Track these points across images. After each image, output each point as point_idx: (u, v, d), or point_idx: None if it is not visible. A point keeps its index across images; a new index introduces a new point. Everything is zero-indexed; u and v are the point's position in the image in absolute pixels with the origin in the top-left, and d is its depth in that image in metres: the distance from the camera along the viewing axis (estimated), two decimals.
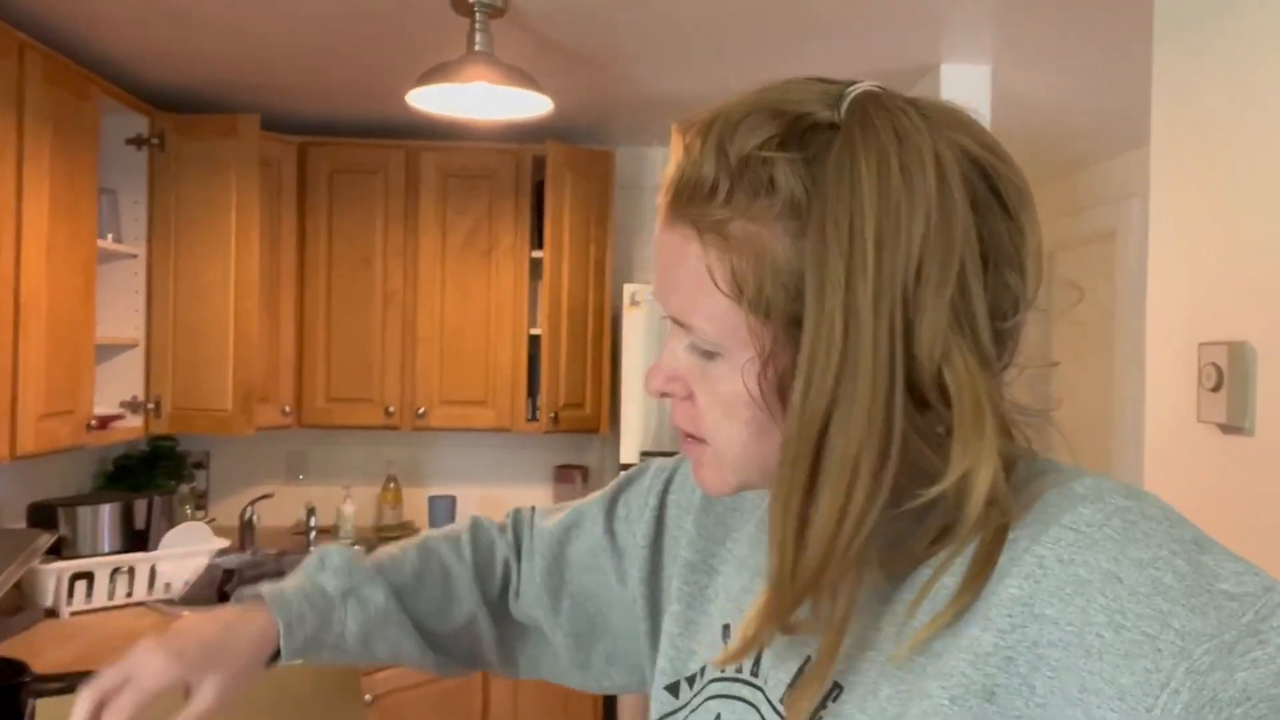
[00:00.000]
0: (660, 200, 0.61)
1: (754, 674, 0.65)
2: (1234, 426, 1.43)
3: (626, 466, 3.15)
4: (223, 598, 2.86)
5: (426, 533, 0.93)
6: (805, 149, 0.55)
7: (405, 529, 3.50)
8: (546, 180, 3.25)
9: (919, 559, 0.57)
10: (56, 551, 2.51)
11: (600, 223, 3.38)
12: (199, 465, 3.46)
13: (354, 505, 3.41)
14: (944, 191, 0.53)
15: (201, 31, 2.48)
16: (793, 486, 0.55)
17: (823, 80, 0.58)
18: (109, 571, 2.57)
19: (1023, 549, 0.53)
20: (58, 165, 2.37)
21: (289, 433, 3.40)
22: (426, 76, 2.20)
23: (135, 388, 2.93)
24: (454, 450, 3.63)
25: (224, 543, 2.83)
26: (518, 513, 0.95)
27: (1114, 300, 3.41)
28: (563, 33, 2.43)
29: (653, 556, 0.81)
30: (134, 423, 2.90)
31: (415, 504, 3.54)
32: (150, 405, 2.93)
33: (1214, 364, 1.45)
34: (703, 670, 0.70)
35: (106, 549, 2.61)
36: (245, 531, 3.15)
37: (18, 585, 2.40)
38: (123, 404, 2.90)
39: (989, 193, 0.56)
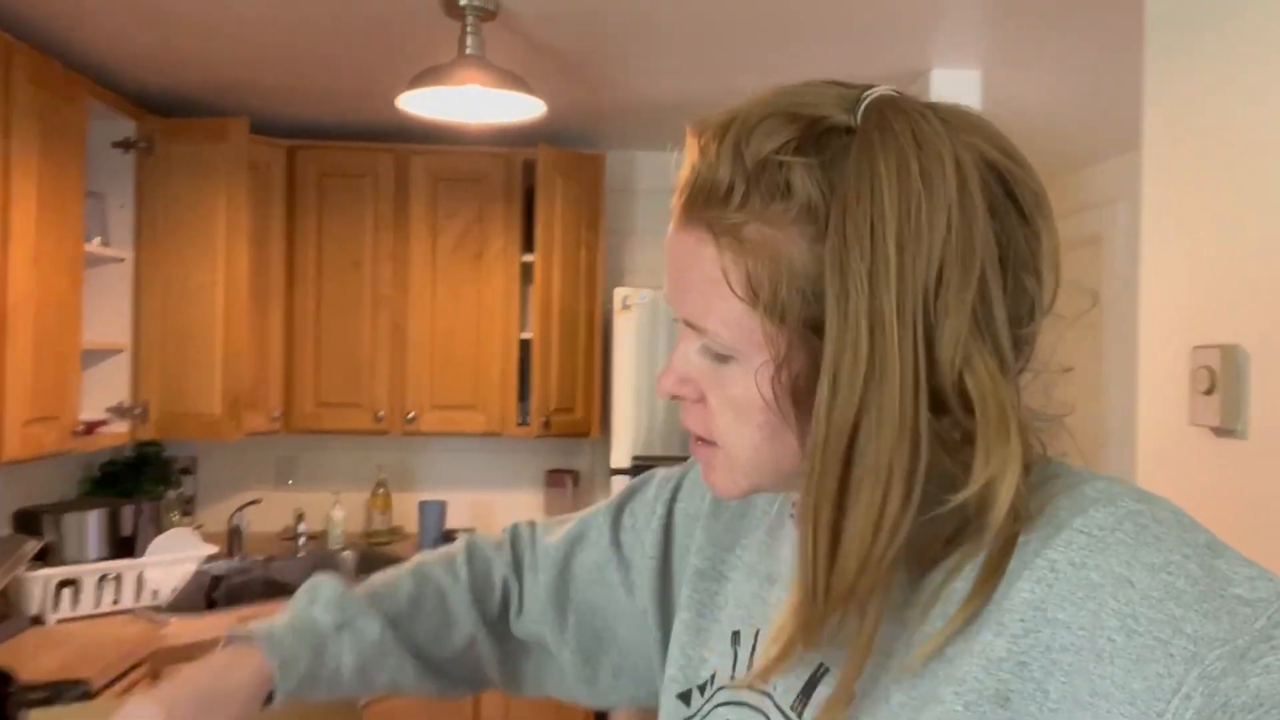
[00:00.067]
0: (674, 202, 0.60)
1: (762, 680, 0.64)
2: (1227, 430, 1.44)
3: (618, 471, 3.19)
4: (210, 604, 2.85)
5: (420, 556, 0.90)
6: (822, 153, 0.55)
7: (395, 534, 3.48)
8: (537, 184, 3.24)
9: (931, 564, 0.56)
10: (42, 558, 2.48)
11: (591, 226, 3.38)
12: (186, 471, 3.43)
13: (343, 511, 3.39)
14: (964, 196, 0.53)
15: (190, 34, 2.46)
16: (822, 497, 0.54)
17: (839, 83, 0.58)
18: (96, 578, 2.54)
19: (1033, 552, 0.53)
20: (44, 168, 2.35)
21: (278, 438, 3.37)
22: (418, 79, 2.20)
23: (122, 393, 2.90)
24: (444, 455, 3.61)
25: (212, 549, 2.81)
26: (515, 529, 0.93)
27: (1102, 304, 3.43)
28: (554, 36, 2.43)
29: (662, 566, 0.80)
30: (121, 428, 2.87)
31: (405, 509, 3.52)
32: (137, 410, 2.91)
33: (1207, 367, 1.46)
34: (713, 678, 0.70)
35: (93, 556, 2.58)
36: (233, 537, 3.12)
37: (3, 593, 2.37)
38: (109, 409, 2.87)
39: (1006, 197, 0.55)
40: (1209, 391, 1.45)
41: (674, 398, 0.63)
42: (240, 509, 3.16)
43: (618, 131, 3.38)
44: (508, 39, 2.38)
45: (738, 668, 0.68)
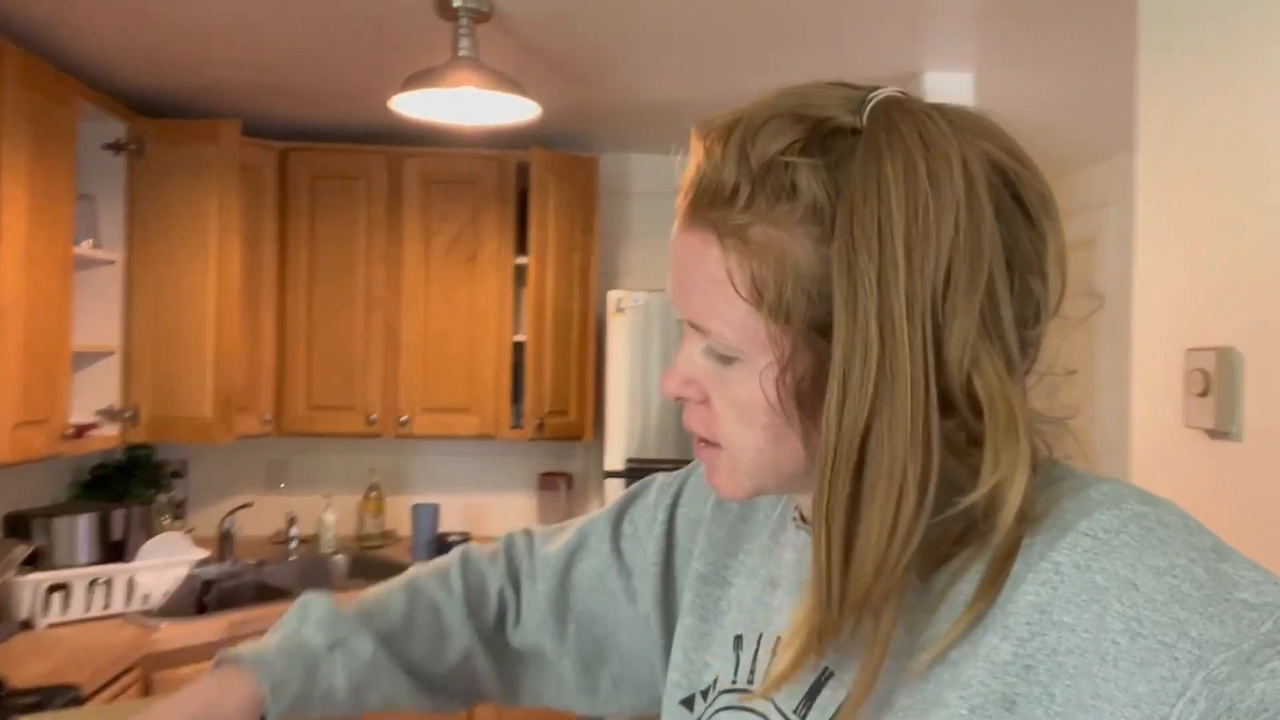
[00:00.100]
0: (678, 203, 0.60)
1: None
2: (1221, 432, 1.44)
3: (612, 474, 3.18)
4: (202, 609, 2.83)
5: (413, 570, 0.89)
6: (828, 154, 0.54)
7: (388, 538, 3.47)
8: (531, 186, 3.24)
9: (935, 567, 0.56)
10: (32, 562, 2.47)
11: (585, 229, 3.38)
12: (177, 474, 3.41)
13: (335, 514, 3.37)
14: (972, 197, 0.53)
15: (181, 35, 2.45)
16: (835, 501, 0.54)
17: (845, 85, 0.58)
18: (86, 583, 2.52)
19: (1038, 555, 0.53)
20: (35, 170, 2.34)
21: (269, 441, 3.36)
22: (411, 81, 2.19)
23: (112, 396, 2.89)
24: (437, 458, 3.60)
25: (203, 553, 2.80)
26: (510, 538, 0.92)
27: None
28: (547, 38, 2.42)
29: (664, 572, 0.80)
30: (111, 431, 2.86)
31: (398, 512, 3.51)
32: (128, 413, 2.89)
33: (1201, 370, 1.46)
34: (715, 682, 0.69)
35: (83, 560, 2.57)
36: (224, 541, 3.11)
37: None
38: (99, 412, 2.85)
39: (1011, 199, 0.55)
40: (1203, 394, 1.45)
41: (677, 399, 0.63)
42: (231, 513, 3.15)
43: (611, 134, 3.38)
44: (501, 41, 2.37)
45: (739, 671, 0.68)
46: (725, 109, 0.58)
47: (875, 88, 0.57)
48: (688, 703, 0.71)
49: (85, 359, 2.81)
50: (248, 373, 3.13)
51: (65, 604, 2.48)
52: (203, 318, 2.95)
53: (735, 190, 0.56)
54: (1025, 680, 0.51)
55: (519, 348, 3.29)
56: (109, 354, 2.88)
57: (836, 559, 0.54)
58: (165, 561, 2.67)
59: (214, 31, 2.42)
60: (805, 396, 0.56)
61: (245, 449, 3.42)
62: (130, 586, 2.60)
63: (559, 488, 3.54)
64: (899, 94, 0.56)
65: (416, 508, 3.35)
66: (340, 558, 3.30)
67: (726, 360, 0.59)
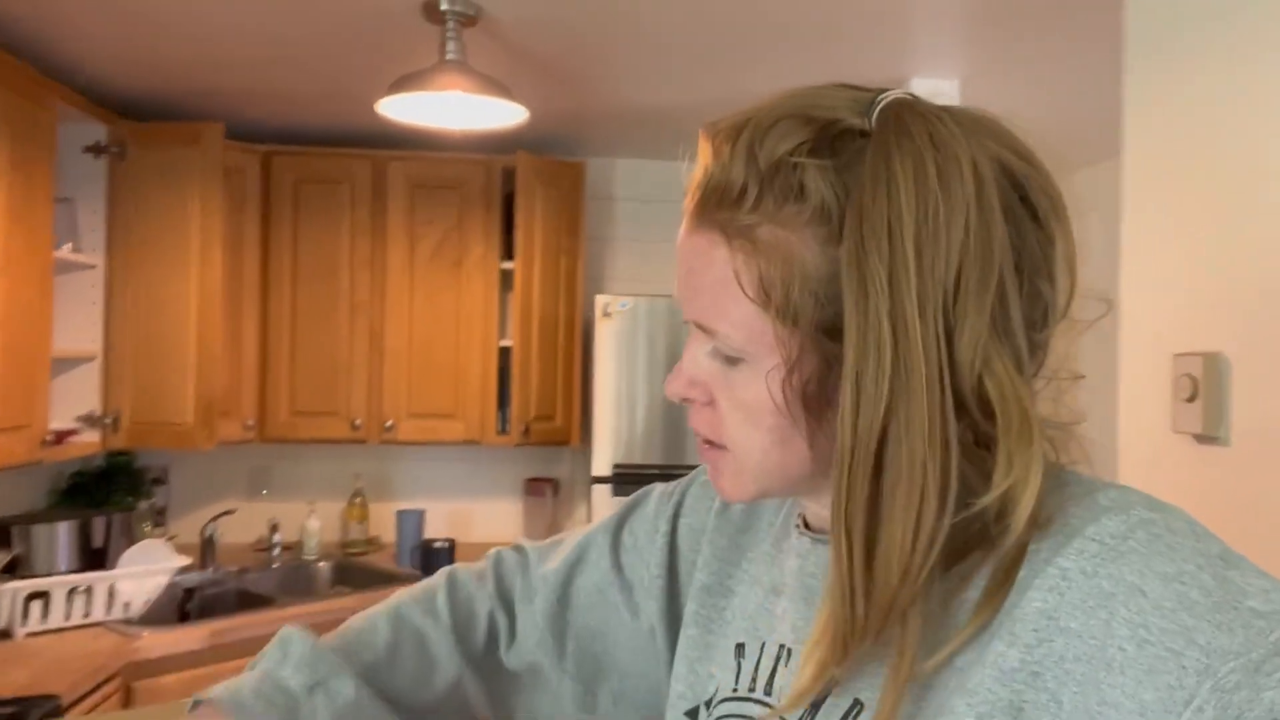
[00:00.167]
0: (686, 204, 0.60)
1: (767, 692, 0.63)
2: (1209, 437, 1.45)
3: (599, 479, 3.17)
4: (184, 617, 2.80)
5: (398, 596, 0.86)
6: (836, 156, 0.54)
7: (372, 544, 3.45)
8: (517, 191, 3.23)
9: (942, 572, 0.56)
10: (11, 570, 2.43)
11: (571, 234, 3.37)
12: (158, 481, 3.37)
13: (319, 521, 3.34)
14: (982, 198, 0.53)
15: (164, 38, 2.43)
16: (854, 505, 0.53)
17: (852, 87, 0.58)
18: (66, 591, 2.49)
19: (1045, 561, 0.52)
20: (14, 173, 2.31)
21: (252, 447, 3.33)
22: (398, 85, 2.18)
23: (92, 401, 2.85)
24: (422, 464, 3.58)
25: (185, 560, 2.76)
26: (499, 556, 0.90)
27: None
28: (534, 42, 2.42)
29: (668, 583, 0.79)
30: (91, 437, 2.82)
31: (383, 519, 3.48)
32: (108, 419, 2.86)
33: (1189, 375, 1.46)
34: (716, 692, 0.68)
35: (63, 568, 2.54)
36: (206, 549, 3.07)
37: None
38: (79, 418, 2.82)
39: (1020, 201, 0.55)
40: (1191, 399, 1.46)
41: (683, 400, 0.63)
42: (214, 519, 3.11)
43: (598, 139, 3.38)
44: (488, 45, 2.36)
45: (740, 679, 0.67)
46: (726, 111, 0.58)
47: (883, 90, 0.57)
48: (692, 714, 0.70)
49: (65, 364, 2.78)
50: (230, 378, 3.10)
51: (45, 612, 2.45)
52: (184, 323, 2.92)
53: (743, 191, 0.55)
54: (1032, 687, 0.51)
55: (505, 353, 3.28)
56: (89, 359, 2.85)
57: (859, 564, 0.53)
58: (146, 569, 2.64)
59: (198, 34, 2.40)
60: (812, 398, 0.56)
61: (227, 455, 3.39)
62: (111, 594, 2.57)
63: (545, 493, 3.52)
64: (908, 96, 0.56)
65: (401, 514, 3.32)
66: (324, 565, 3.27)
67: (733, 362, 0.59)
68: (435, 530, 3.43)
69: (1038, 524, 0.53)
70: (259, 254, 3.20)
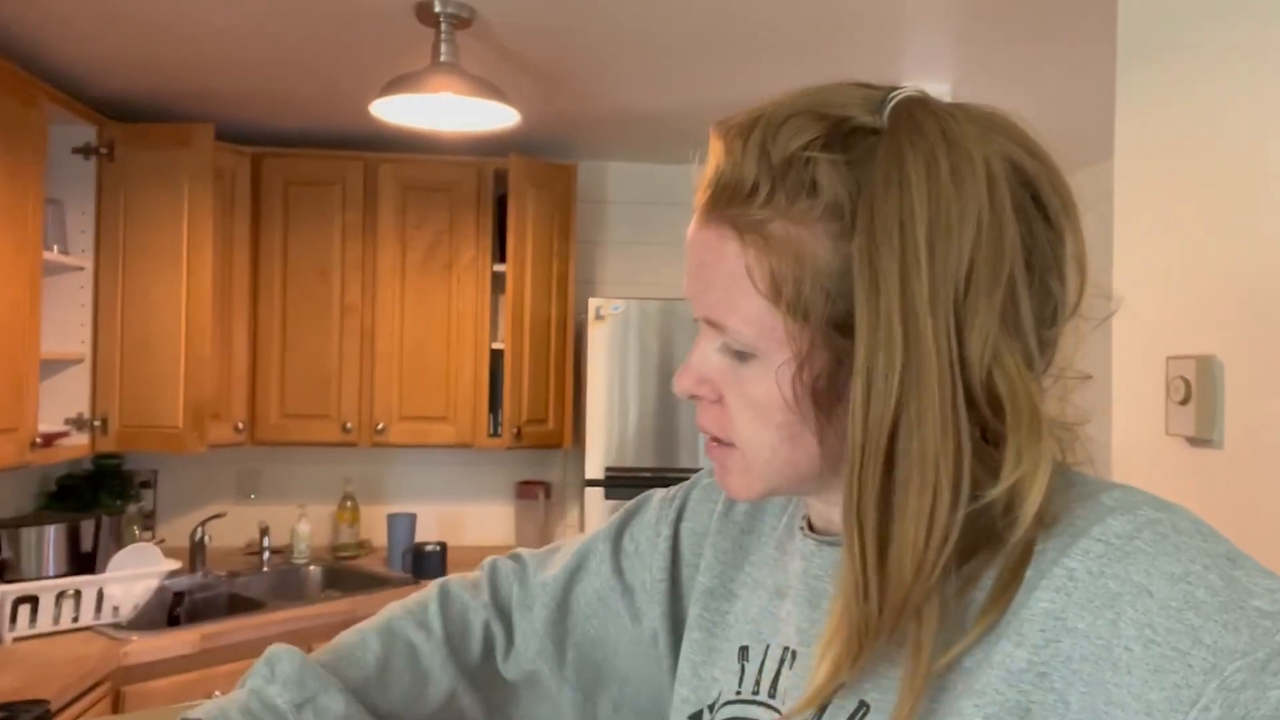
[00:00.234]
0: (697, 200, 0.60)
1: (771, 695, 0.63)
2: (1202, 439, 1.45)
3: (591, 482, 3.16)
4: (173, 621, 2.78)
5: (389, 609, 0.84)
6: (848, 152, 0.55)
7: (363, 548, 3.43)
8: (509, 194, 3.22)
9: (956, 565, 0.55)
10: None
11: (563, 236, 3.37)
12: (146, 484, 3.35)
13: (309, 524, 3.33)
14: (994, 195, 0.53)
15: (153, 39, 2.41)
16: (866, 500, 0.53)
17: (864, 85, 0.58)
18: (54, 595, 2.47)
19: (1051, 561, 0.52)
20: (2, 174, 2.29)
21: (241, 450, 3.31)
22: (391, 86, 2.17)
23: (81, 404, 2.83)
24: (414, 467, 3.57)
25: (174, 564, 2.74)
26: (494, 565, 0.88)
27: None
28: (527, 46, 2.41)
29: (671, 588, 0.78)
30: (80, 440, 2.80)
31: (374, 522, 3.47)
32: (97, 422, 2.84)
33: (1182, 377, 1.47)
34: (720, 695, 0.68)
35: (52, 572, 2.51)
36: (196, 552, 3.05)
37: None
38: (68, 421, 2.80)
39: (1031, 199, 0.56)
40: (1184, 402, 1.47)
41: (691, 397, 0.62)
42: (203, 523, 3.09)
43: (590, 142, 3.38)
44: (481, 47, 2.36)
45: (744, 682, 0.67)
46: (719, 115, 0.58)
47: (895, 87, 0.57)
48: (695, 717, 0.70)
49: (53, 366, 2.76)
50: (220, 381, 3.08)
51: (33, 616, 2.43)
52: (174, 325, 2.90)
53: (755, 186, 0.56)
54: (1040, 688, 0.51)
55: (497, 355, 3.27)
56: (78, 361, 2.83)
57: (872, 560, 0.53)
58: (136, 573, 2.62)
59: (189, 35, 2.38)
60: (821, 394, 0.56)
61: (216, 458, 3.37)
62: (100, 598, 2.55)
63: (537, 496, 3.51)
64: (919, 93, 0.56)
65: (392, 517, 3.31)
66: (315, 568, 3.26)
67: (742, 358, 0.59)
68: (426, 534, 3.42)
69: (1044, 523, 0.53)
70: (249, 256, 3.18)
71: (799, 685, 0.61)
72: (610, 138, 3.31)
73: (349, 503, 3.42)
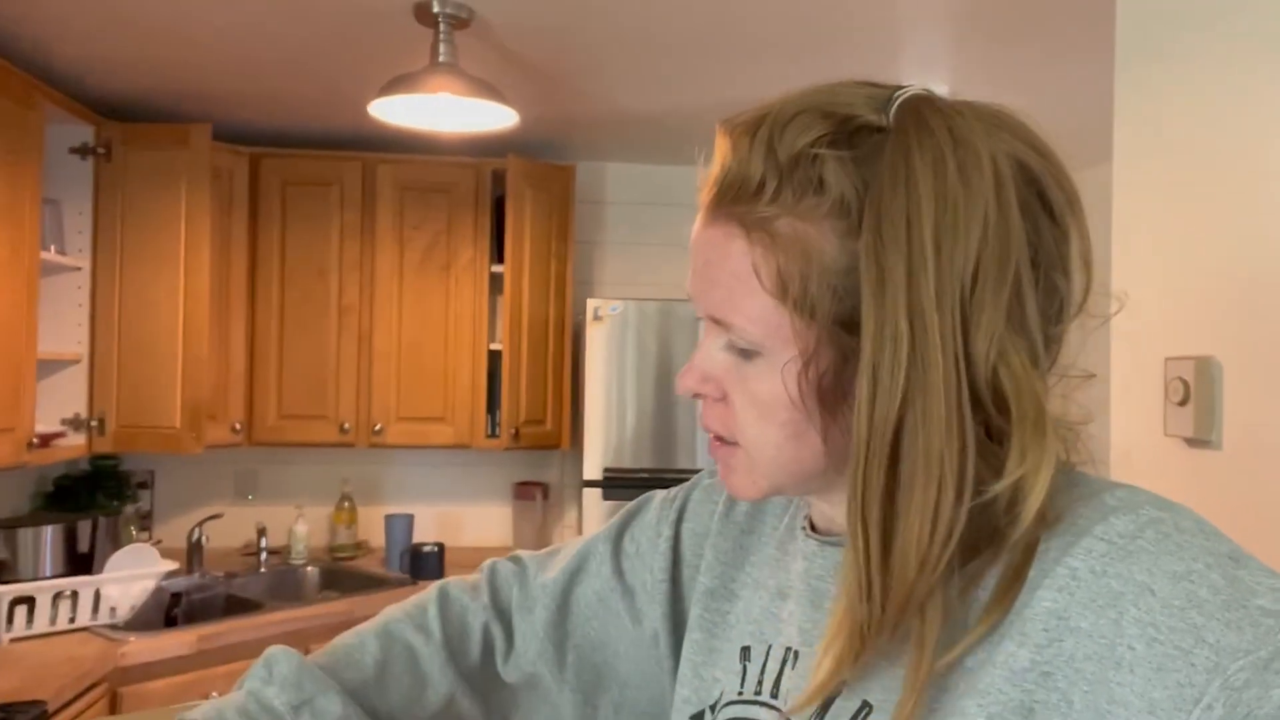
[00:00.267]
0: (702, 198, 0.60)
1: (773, 695, 0.63)
2: (1201, 440, 1.46)
3: (589, 483, 3.16)
4: (170, 622, 2.78)
5: (388, 612, 0.84)
6: (855, 149, 0.55)
7: (360, 549, 3.43)
8: (507, 194, 3.22)
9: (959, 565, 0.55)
10: None
11: (561, 237, 3.37)
12: (143, 485, 3.34)
13: (307, 525, 3.32)
14: (1001, 193, 0.53)
15: (151, 39, 2.41)
16: (870, 496, 0.53)
17: (870, 84, 0.58)
18: (51, 596, 2.46)
19: (1054, 560, 0.52)
20: (0, 174, 2.29)
21: (239, 451, 3.31)
22: (389, 87, 2.17)
23: (78, 404, 2.83)
24: (411, 468, 3.56)
25: (171, 565, 2.74)
26: (494, 567, 0.87)
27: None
28: (526, 46, 2.41)
29: (672, 589, 0.78)
30: (77, 441, 2.80)
31: (371, 523, 3.46)
32: (94, 422, 2.83)
33: (1180, 379, 1.47)
34: (721, 696, 0.68)
35: (48, 572, 2.51)
36: (193, 553, 3.05)
37: None
38: (64, 421, 2.79)
39: (1037, 196, 0.56)
40: (1183, 403, 1.47)
41: (695, 396, 0.62)
42: (200, 524, 3.09)
43: (588, 143, 3.38)
44: (479, 48, 2.36)
45: (746, 682, 0.67)
46: (717, 116, 0.58)
47: (900, 86, 0.57)
48: (697, 718, 0.70)
49: (51, 367, 2.75)
50: (217, 381, 3.08)
51: (30, 617, 2.42)
52: (171, 325, 2.90)
53: (762, 183, 0.56)
54: (1044, 687, 0.51)
55: (495, 356, 3.27)
56: (75, 362, 2.82)
57: (875, 557, 0.53)
58: (133, 574, 2.62)
59: (187, 35, 2.38)
60: (827, 392, 0.56)
61: (213, 459, 3.36)
62: (97, 599, 2.54)
63: (535, 497, 3.51)
64: (926, 91, 0.56)
65: (390, 518, 3.31)
66: (312, 569, 3.25)
67: (747, 355, 0.59)
68: (424, 534, 3.42)
69: (1046, 522, 0.53)
70: (247, 256, 3.18)
71: (801, 686, 0.61)
72: (609, 138, 3.31)
73: (346, 503, 3.42)
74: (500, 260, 3.25)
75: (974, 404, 0.53)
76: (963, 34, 2.30)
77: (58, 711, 2.07)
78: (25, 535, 2.49)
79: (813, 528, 0.67)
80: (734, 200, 0.57)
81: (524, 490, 3.53)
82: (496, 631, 0.84)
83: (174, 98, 2.92)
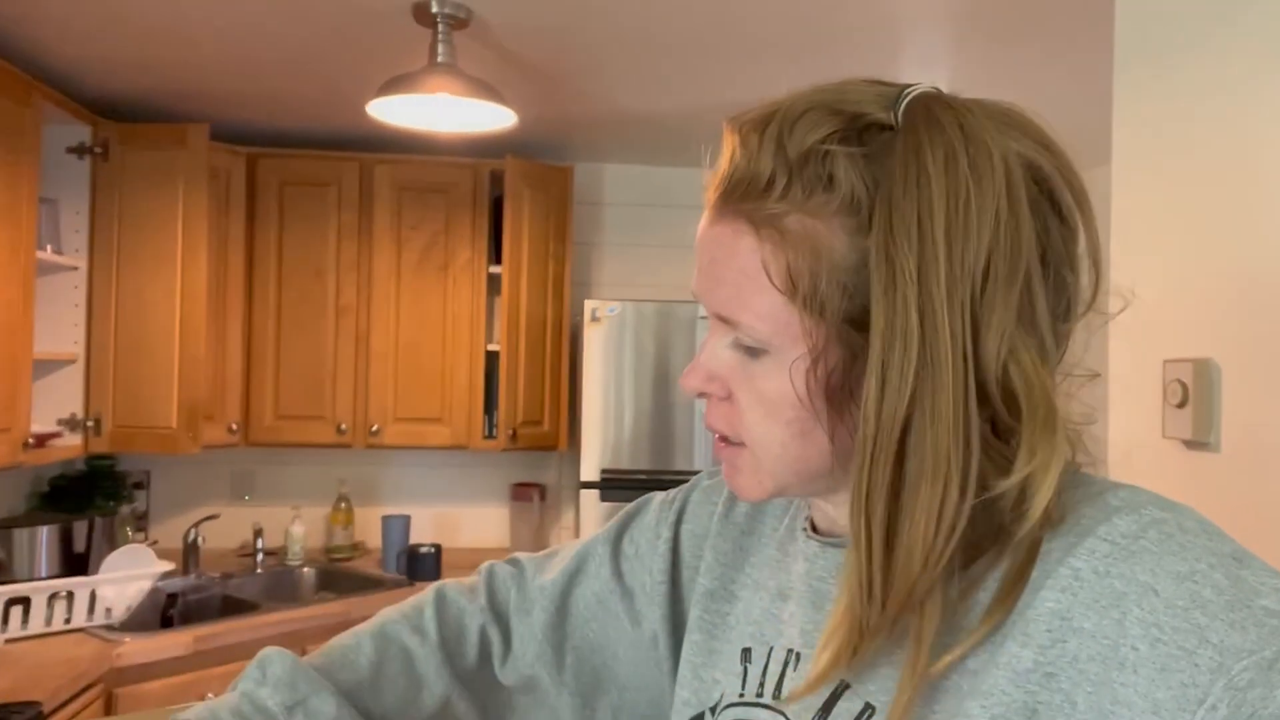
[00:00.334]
0: (709, 195, 0.59)
1: (775, 697, 0.63)
2: (1199, 442, 1.45)
3: (587, 485, 3.16)
4: (166, 622, 2.77)
5: (384, 613, 0.84)
6: (865, 146, 0.54)
7: (357, 550, 3.42)
8: (505, 195, 3.22)
9: (960, 565, 0.55)
10: None
11: (559, 238, 3.36)
12: (139, 485, 3.34)
13: (303, 526, 3.32)
14: (1012, 191, 0.53)
15: (149, 39, 2.41)
16: (875, 493, 0.53)
17: (879, 82, 0.58)
18: (46, 596, 2.46)
19: (1057, 561, 0.52)
20: None
21: (235, 451, 3.30)
22: (388, 86, 2.17)
23: (74, 404, 2.82)
24: (409, 469, 3.56)
25: (167, 566, 2.73)
26: (492, 569, 0.87)
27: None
28: (524, 47, 2.41)
29: (671, 590, 0.78)
30: (73, 441, 2.79)
31: (368, 524, 3.46)
32: (90, 422, 2.83)
33: (1179, 381, 1.47)
34: (722, 698, 0.68)
35: (44, 573, 2.50)
36: (189, 554, 3.04)
37: None
38: (61, 421, 2.79)
39: (1047, 194, 0.56)
40: (1181, 405, 1.47)
41: (700, 395, 0.62)
42: (197, 524, 3.08)
43: (586, 144, 3.38)
44: (478, 48, 2.36)
45: (748, 684, 0.66)
46: (716, 118, 0.58)
47: (909, 84, 0.57)
48: None
49: (47, 367, 2.75)
50: (214, 382, 3.07)
51: (25, 618, 2.41)
52: (168, 325, 2.89)
53: (771, 180, 0.55)
54: (1047, 688, 0.50)
55: (492, 357, 3.26)
56: (71, 362, 2.82)
57: (878, 554, 0.53)
58: (128, 574, 2.61)
59: (185, 35, 2.38)
60: (835, 390, 0.56)
61: (209, 459, 3.36)
62: (92, 600, 2.53)
63: (532, 499, 3.51)
64: (935, 90, 0.56)
65: (387, 519, 3.30)
66: (308, 570, 3.24)
67: (754, 353, 0.58)
68: (421, 535, 3.41)
69: (1050, 522, 0.53)
70: (244, 256, 3.17)
71: (830, 674, 0.60)
72: (607, 139, 3.31)
73: (343, 504, 3.41)
74: (498, 261, 3.25)
75: (981, 401, 0.53)
76: (963, 34, 2.30)
77: (53, 712, 2.06)
78: (21, 535, 2.48)
79: (814, 529, 0.67)
80: (742, 197, 0.56)
81: (521, 491, 3.52)
82: (494, 634, 0.83)
83: (172, 97, 2.91)
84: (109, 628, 2.51)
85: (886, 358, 0.52)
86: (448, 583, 0.86)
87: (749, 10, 2.15)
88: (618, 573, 0.81)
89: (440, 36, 2.17)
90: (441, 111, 2.31)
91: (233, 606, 2.89)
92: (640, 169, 3.61)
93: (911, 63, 2.49)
